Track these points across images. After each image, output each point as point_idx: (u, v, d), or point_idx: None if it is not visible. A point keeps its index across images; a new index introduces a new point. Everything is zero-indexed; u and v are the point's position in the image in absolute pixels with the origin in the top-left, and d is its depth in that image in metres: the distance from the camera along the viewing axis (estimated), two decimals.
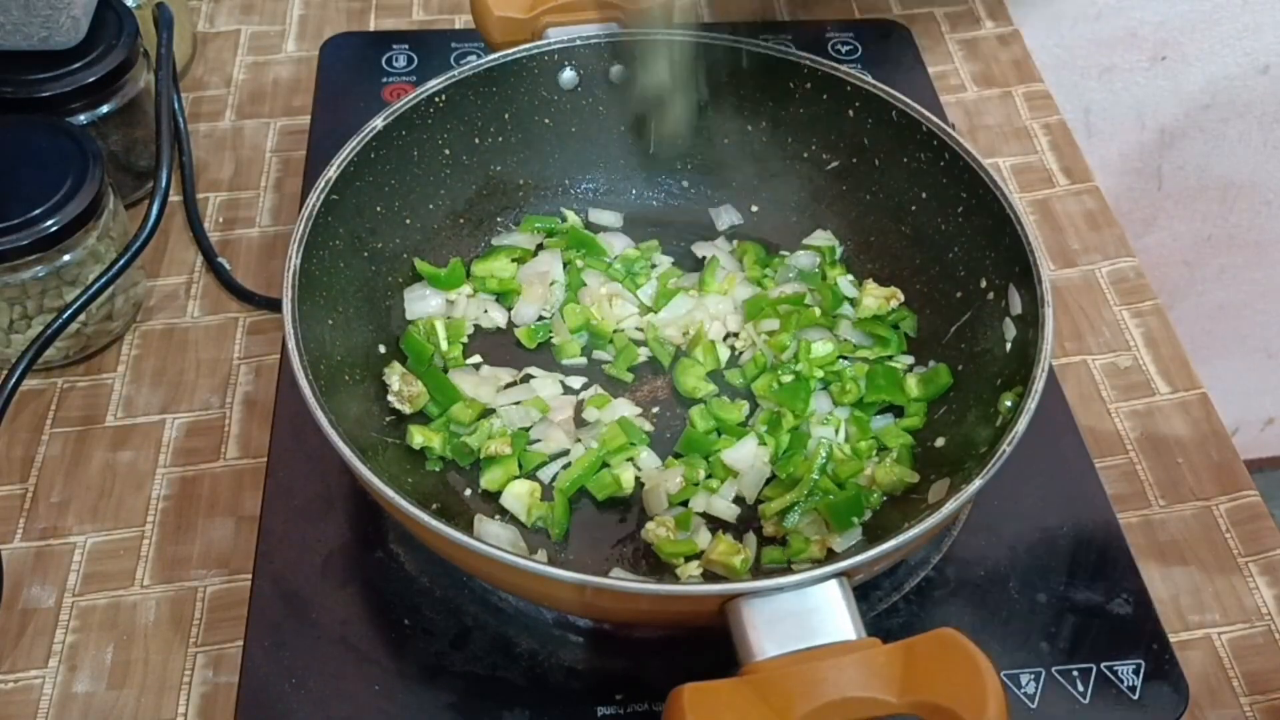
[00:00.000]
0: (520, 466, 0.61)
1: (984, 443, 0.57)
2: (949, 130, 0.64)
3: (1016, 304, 0.60)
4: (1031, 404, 0.53)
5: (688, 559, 0.58)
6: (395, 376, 0.63)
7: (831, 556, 0.57)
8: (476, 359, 0.67)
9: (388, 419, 0.62)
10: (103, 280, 0.65)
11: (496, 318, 0.68)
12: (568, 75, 0.70)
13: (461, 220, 0.70)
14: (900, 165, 0.67)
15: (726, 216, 0.74)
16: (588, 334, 0.68)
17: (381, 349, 0.65)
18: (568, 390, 0.66)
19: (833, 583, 0.46)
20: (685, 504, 0.61)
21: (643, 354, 0.67)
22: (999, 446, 0.51)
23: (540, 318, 0.69)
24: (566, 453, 0.62)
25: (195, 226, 0.76)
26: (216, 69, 0.88)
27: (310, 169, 0.75)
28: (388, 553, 0.59)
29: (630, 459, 0.62)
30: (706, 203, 0.74)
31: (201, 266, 0.75)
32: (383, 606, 0.57)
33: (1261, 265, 1.54)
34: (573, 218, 0.73)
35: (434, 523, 0.48)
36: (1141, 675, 0.56)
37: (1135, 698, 0.55)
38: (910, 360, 0.66)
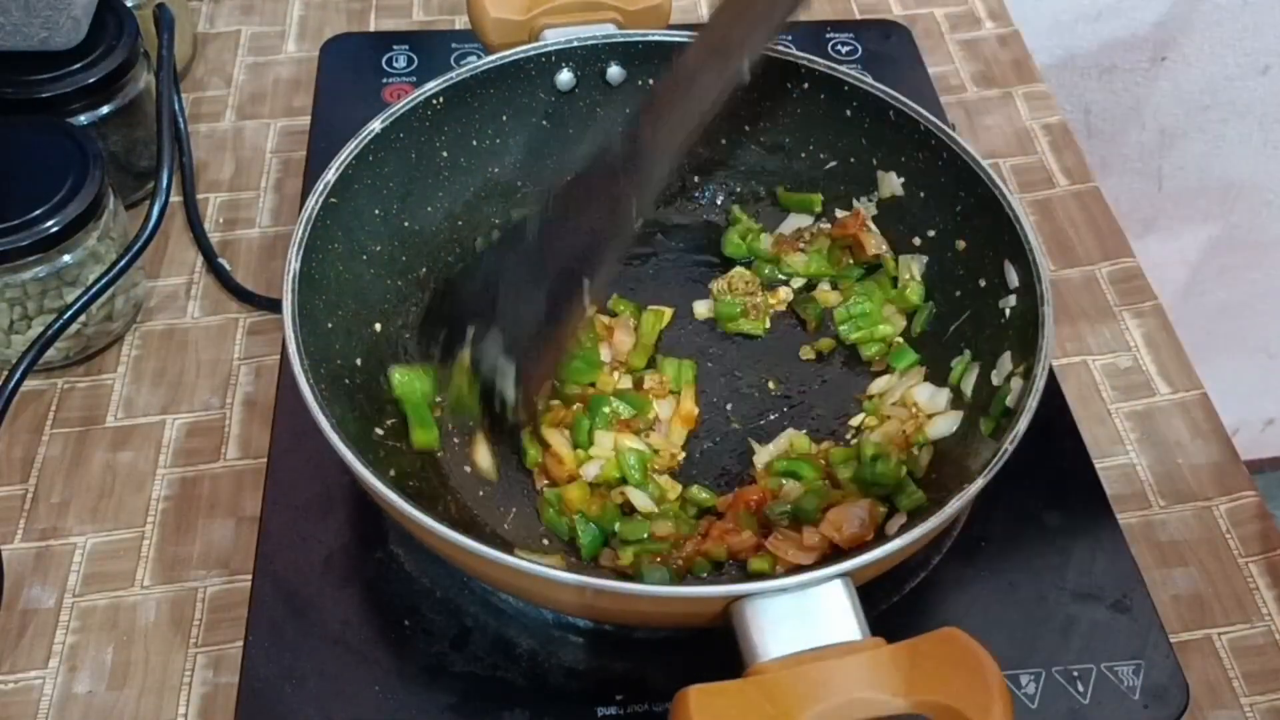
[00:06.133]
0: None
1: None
2: (948, 130, 0.64)
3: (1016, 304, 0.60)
4: (1032, 403, 0.53)
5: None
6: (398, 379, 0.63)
7: (830, 559, 0.57)
8: None
9: (389, 420, 0.62)
10: (103, 281, 0.65)
11: None
12: (565, 77, 0.69)
13: (460, 223, 0.70)
14: (899, 165, 0.67)
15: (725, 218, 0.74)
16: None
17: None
18: None
19: (836, 583, 0.46)
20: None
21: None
22: (999, 446, 0.51)
23: None
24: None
25: (195, 227, 0.76)
26: (217, 69, 0.88)
27: (310, 170, 0.75)
28: (388, 553, 0.59)
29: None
30: (705, 204, 0.74)
31: (202, 267, 0.75)
32: (383, 607, 0.57)
33: (1261, 265, 1.54)
34: None
35: (434, 524, 0.48)
36: (1141, 675, 0.56)
37: (1135, 698, 0.55)
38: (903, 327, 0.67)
